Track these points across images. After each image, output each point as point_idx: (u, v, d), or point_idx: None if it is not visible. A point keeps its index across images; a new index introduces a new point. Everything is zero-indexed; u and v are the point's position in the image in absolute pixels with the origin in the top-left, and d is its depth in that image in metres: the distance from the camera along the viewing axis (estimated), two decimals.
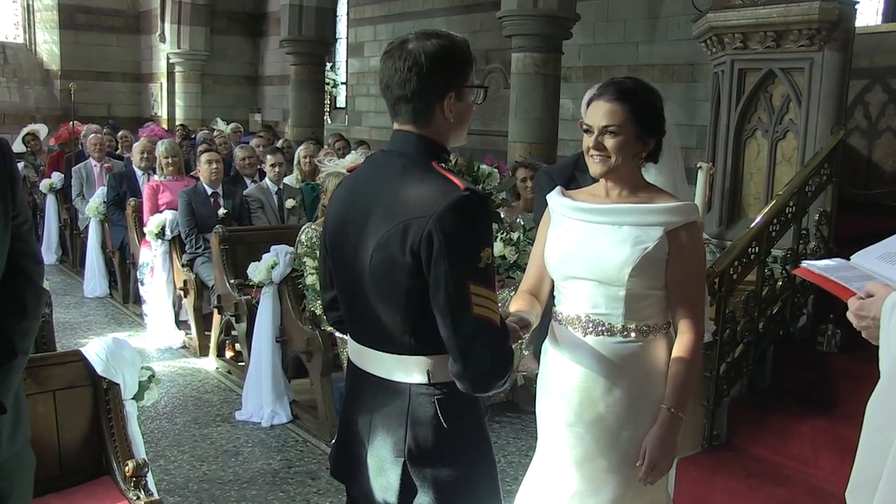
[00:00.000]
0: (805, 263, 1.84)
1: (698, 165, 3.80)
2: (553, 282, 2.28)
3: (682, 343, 2.14)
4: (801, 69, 4.22)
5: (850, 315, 1.68)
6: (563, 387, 2.20)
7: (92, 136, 8.25)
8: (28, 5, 16.62)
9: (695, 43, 5.13)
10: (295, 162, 7.20)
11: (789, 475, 3.41)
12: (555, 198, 2.29)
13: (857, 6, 4.39)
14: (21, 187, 1.80)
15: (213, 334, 5.69)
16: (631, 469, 2.14)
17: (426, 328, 1.70)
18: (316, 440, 4.37)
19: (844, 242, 4.15)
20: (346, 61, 14.70)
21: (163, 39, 15.99)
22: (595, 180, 2.28)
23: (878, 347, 1.62)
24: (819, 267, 1.78)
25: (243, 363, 5.20)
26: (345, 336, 2.07)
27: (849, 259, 1.75)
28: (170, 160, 6.48)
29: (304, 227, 4.63)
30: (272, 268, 4.64)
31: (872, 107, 5.95)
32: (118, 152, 9.28)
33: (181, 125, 13.95)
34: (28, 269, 1.77)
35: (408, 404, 1.77)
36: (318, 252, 3.98)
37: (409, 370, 1.77)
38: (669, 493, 2.50)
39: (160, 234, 6.05)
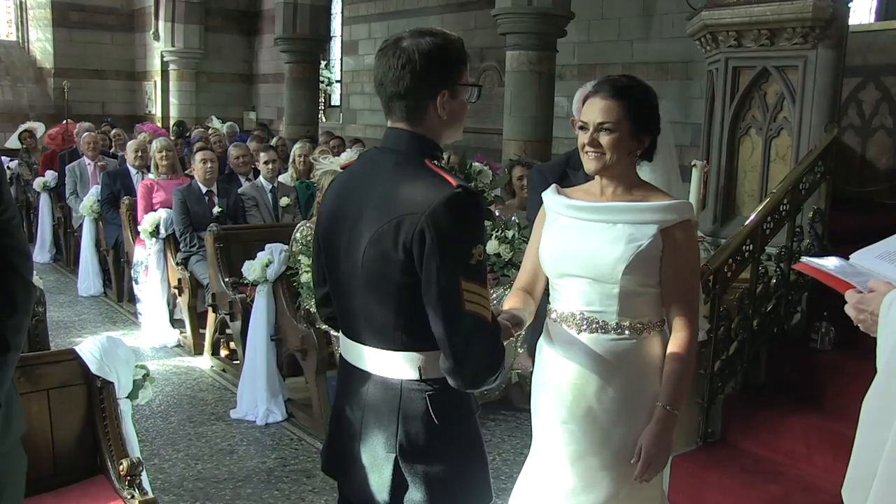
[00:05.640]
0: (804, 259, 1.86)
1: (693, 163, 3.82)
2: (547, 279, 2.28)
3: (677, 341, 2.15)
4: (795, 67, 4.23)
5: (848, 308, 1.69)
6: (558, 384, 2.21)
7: (85, 134, 8.22)
8: (21, 3, 16.54)
9: (689, 41, 5.14)
10: (290, 160, 7.19)
11: (783, 472, 3.42)
12: (550, 196, 2.29)
13: (850, 4, 4.39)
14: (6, 182, 1.79)
15: (208, 333, 5.68)
16: (625, 466, 2.14)
17: (418, 324, 1.71)
18: (311, 438, 4.37)
19: (838, 240, 4.16)
20: (341, 59, 14.69)
21: (157, 37, 15.95)
22: (587, 178, 2.29)
23: (874, 345, 1.63)
24: (818, 263, 1.79)
25: (238, 361, 5.19)
26: (337, 332, 2.07)
27: (847, 258, 1.77)
28: (164, 154, 6.46)
29: (299, 224, 4.63)
30: (267, 266, 4.63)
31: (866, 104, 5.98)
32: (112, 151, 9.25)
33: (178, 123, 13.91)
34: (17, 264, 1.76)
35: (399, 400, 1.77)
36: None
37: (400, 366, 1.77)
38: (664, 490, 2.51)
39: (154, 233, 6.03)
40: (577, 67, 9.70)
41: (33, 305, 1.87)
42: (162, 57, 15.91)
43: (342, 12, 14.49)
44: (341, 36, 14.62)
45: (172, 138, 9.12)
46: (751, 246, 3.75)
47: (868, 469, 1.60)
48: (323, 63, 13.67)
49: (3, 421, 1.75)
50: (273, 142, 9.22)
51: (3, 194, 1.72)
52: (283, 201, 6.19)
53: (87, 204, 7.29)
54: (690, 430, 3.64)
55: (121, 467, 2.57)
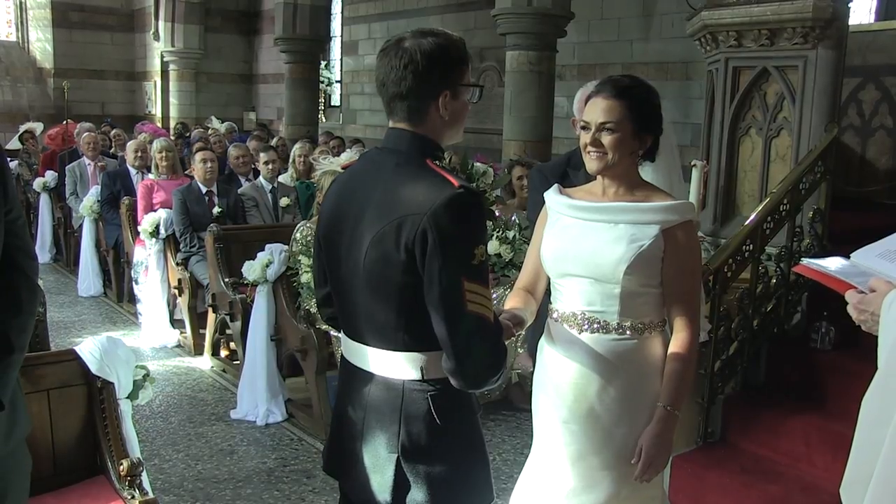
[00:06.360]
0: (805, 261, 1.85)
1: (693, 163, 3.81)
2: (549, 279, 2.28)
3: (678, 341, 2.15)
4: (795, 67, 4.23)
5: (850, 309, 1.69)
6: (559, 383, 2.21)
7: (85, 134, 8.21)
8: (21, 3, 16.54)
9: (689, 41, 5.14)
10: (290, 160, 7.20)
11: (783, 472, 3.42)
12: (552, 195, 2.29)
13: (850, 4, 4.40)
14: (12, 182, 1.79)
15: (208, 333, 5.68)
16: (626, 466, 2.14)
17: (420, 325, 1.71)
18: (311, 438, 4.37)
19: (838, 240, 4.16)
20: (341, 59, 14.70)
21: (157, 37, 15.95)
22: (588, 177, 2.29)
23: (875, 345, 1.62)
24: (818, 264, 1.79)
25: (238, 362, 5.19)
26: (338, 333, 2.07)
27: (848, 257, 1.76)
28: (164, 154, 6.46)
29: (299, 224, 4.63)
30: (267, 266, 4.63)
31: (865, 104, 5.98)
32: (112, 151, 9.25)
33: (181, 123, 13.91)
34: (23, 265, 1.76)
35: (401, 400, 1.77)
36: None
37: (402, 366, 1.77)
38: (664, 490, 2.51)
39: (154, 233, 6.03)
40: (577, 67, 9.71)
41: (38, 306, 1.87)
42: (162, 57, 15.92)
43: (342, 12, 14.49)
44: (341, 36, 14.63)
45: (172, 138, 9.12)
46: (751, 246, 3.75)
47: (866, 468, 1.59)
48: (323, 63, 13.67)
49: (8, 421, 1.75)
50: (273, 142, 9.22)
51: (9, 194, 1.72)
52: (283, 201, 6.20)
53: (86, 204, 7.28)
54: (690, 430, 3.64)
55: (121, 468, 2.57)
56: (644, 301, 2.15)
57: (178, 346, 6.04)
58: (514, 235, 4.51)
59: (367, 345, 1.82)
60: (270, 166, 6.22)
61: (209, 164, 6.03)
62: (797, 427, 3.52)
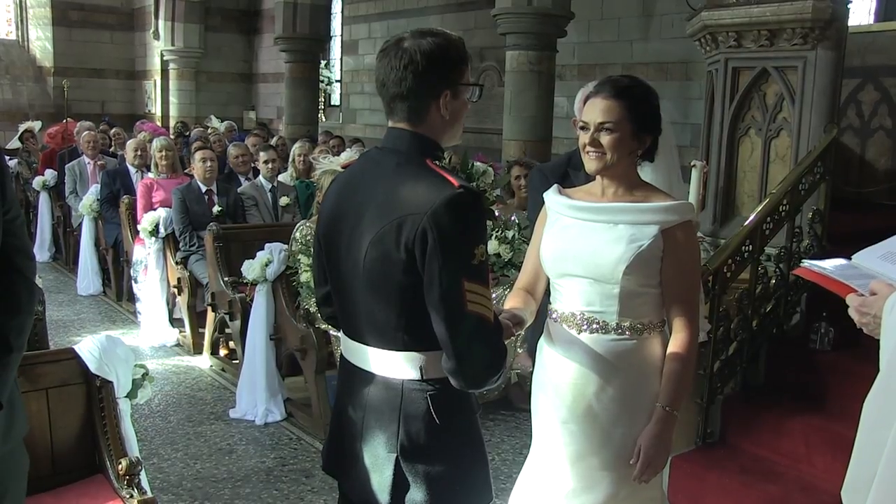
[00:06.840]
0: (805, 263, 1.84)
1: (692, 164, 3.81)
2: (548, 279, 2.28)
3: (677, 341, 2.15)
4: (795, 68, 4.23)
5: (851, 312, 1.69)
6: (558, 384, 2.21)
7: (85, 133, 8.20)
8: (21, 2, 16.51)
9: (689, 41, 5.15)
10: (290, 160, 7.20)
11: (782, 472, 3.43)
12: (551, 196, 2.29)
13: (849, 5, 4.40)
14: (11, 182, 1.79)
15: (207, 332, 5.68)
16: (625, 467, 2.14)
17: (419, 324, 1.71)
18: (310, 438, 4.37)
19: (837, 240, 4.16)
20: (341, 59, 14.70)
21: (157, 36, 15.94)
22: (588, 178, 2.29)
23: (877, 347, 1.62)
24: (819, 266, 1.78)
25: (237, 361, 5.19)
26: (338, 332, 2.07)
27: (849, 259, 1.76)
28: (163, 153, 6.46)
29: (299, 224, 4.63)
30: (266, 265, 4.63)
31: (865, 105, 5.99)
32: (111, 150, 9.25)
33: (181, 122, 13.90)
34: (21, 265, 1.76)
35: (400, 400, 1.78)
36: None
37: (402, 366, 1.77)
38: (664, 490, 2.51)
39: (154, 232, 6.04)
40: (577, 67, 9.71)
41: (36, 306, 1.87)
42: (162, 56, 15.90)
43: (342, 12, 14.49)
44: (341, 35, 14.63)
45: (172, 137, 9.12)
46: (750, 246, 3.75)
47: (868, 470, 1.59)
48: (323, 63, 13.66)
49: (7, 421, 1.75)
50: (273, 141, 9.22)
51: (7, 194, 1.71)
52: (283, 201, 6.20)
53: (86, 203, 7.28)
54: (690, 430, 3.64)
55: (120, 467, 2.57)
56: (643, 301, 2.15)
57: (178, 344, 6.04)
58: (514, 235, 4.50)
59: (367, 344, 1.82)
60: (270, 165, 6.23)
61: (209, 163, 6.03)
62: (797, 427, 3.52)
